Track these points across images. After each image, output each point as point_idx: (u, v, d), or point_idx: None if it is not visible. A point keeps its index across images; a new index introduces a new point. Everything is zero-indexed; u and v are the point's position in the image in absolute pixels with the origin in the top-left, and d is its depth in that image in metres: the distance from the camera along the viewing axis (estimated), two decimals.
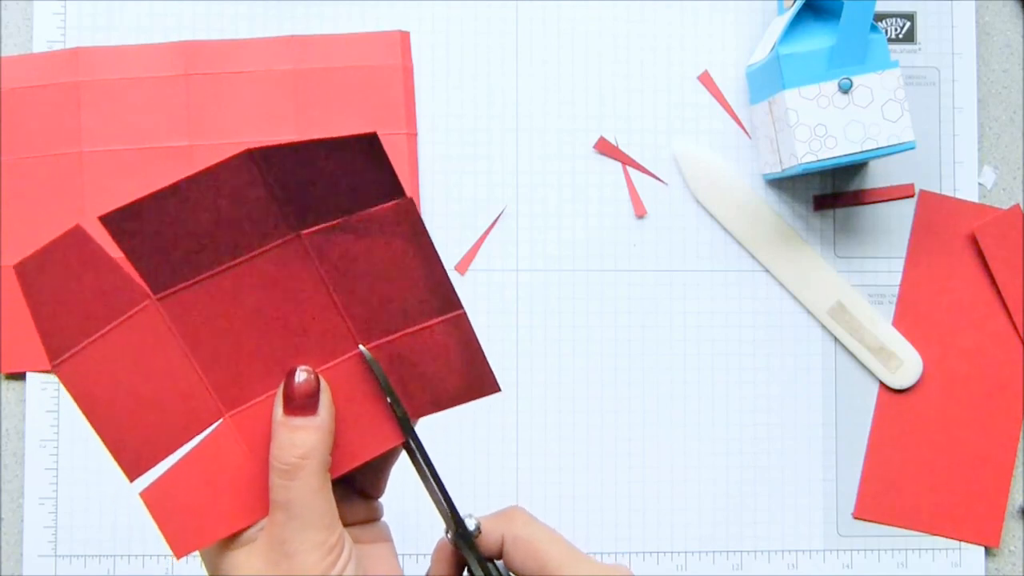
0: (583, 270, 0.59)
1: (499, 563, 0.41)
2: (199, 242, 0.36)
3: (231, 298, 0.37)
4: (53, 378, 0.58)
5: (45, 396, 0.58)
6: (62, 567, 0.57)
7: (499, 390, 0.39)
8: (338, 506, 0.38)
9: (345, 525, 0.38)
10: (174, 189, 0.35)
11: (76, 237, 0.35)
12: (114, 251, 0.36)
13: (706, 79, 0.60)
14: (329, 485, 0.37)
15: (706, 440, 0.59)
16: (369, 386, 0.38)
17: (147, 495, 0.37)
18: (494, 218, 0.59)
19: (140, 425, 0.37)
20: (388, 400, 0.38)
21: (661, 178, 0.60)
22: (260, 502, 0.37)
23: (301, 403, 0.37)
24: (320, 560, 0.36)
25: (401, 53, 0.59)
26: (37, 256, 0.35)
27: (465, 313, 0.39)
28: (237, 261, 0.37)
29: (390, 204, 0.37)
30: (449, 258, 0.59)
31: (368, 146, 0.36)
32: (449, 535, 0.40)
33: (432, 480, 0.39)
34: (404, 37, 0.59)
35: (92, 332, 0.36)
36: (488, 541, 0.40)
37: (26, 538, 0.57)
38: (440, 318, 0.39)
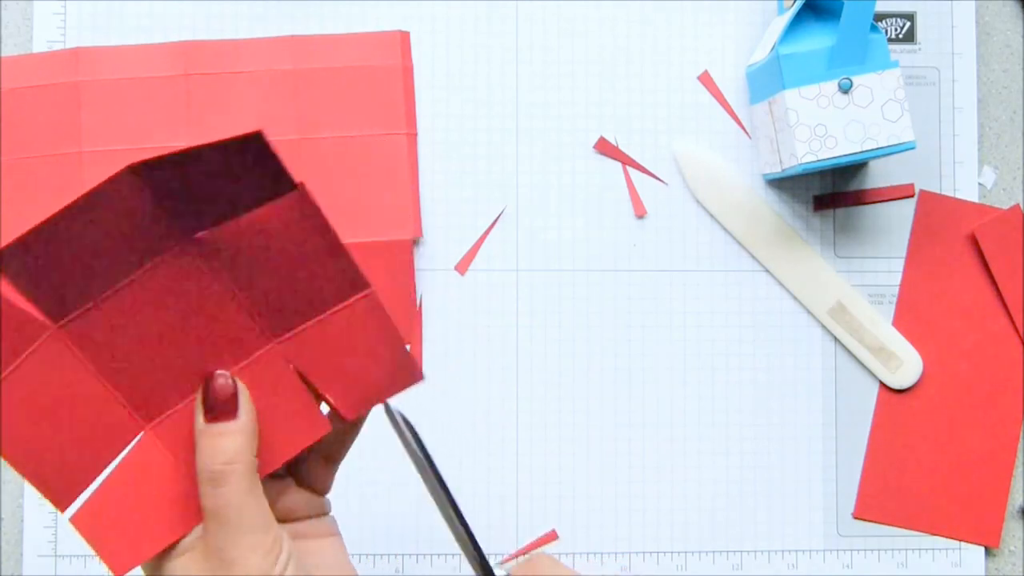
0: (583, 270, 0.59)
1: None
2: (92, 264, 0.35)
3: (133, 314, 0.36)
4: None
5: None
6: (62, 567, 0.57)
7: (422, 379, 0.39)
8: (282, 501, 0.38)
9: (291, 520, 0.38)
10: (61, 215, 0.34)
11: None
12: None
13: (706, 79, 0.60)
14: (259, 486, 0.36)
15: (706, 440, 0.59)
16: (289, 379, 0.38)
17: (77, 519, 0.37)
18: (494, 218, 0.59)
19: (61, 455, 0.36)
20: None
21: (661, 178, 0.60)
22: (193, 510, 0.37)
23: (220, 409, 0.36)
24: (260, 562, 0.35)
25: (401, 53, 0.59)
26: None
27: (375, 291, 0.38)
28: (133, 277, 0.36)
29: (282, 198, 0.36)
30: (449, 258, 0.59)
31: (253, 145, 0.35)
32: None
33: (462, 530, 0.39)
34: (404, 37, 0.59)
35: None
36: None
37: (26, 538, 0.57)
38: (350, 299, 0.38)
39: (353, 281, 0.38)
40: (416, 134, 0.59)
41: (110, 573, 0.59)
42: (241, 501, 0.35)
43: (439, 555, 0.58)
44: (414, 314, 0.58)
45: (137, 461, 0.37)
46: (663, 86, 0.60)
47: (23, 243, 0.34)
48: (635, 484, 0.59)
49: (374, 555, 0.57)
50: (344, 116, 0.58)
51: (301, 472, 0.40)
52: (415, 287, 0.58)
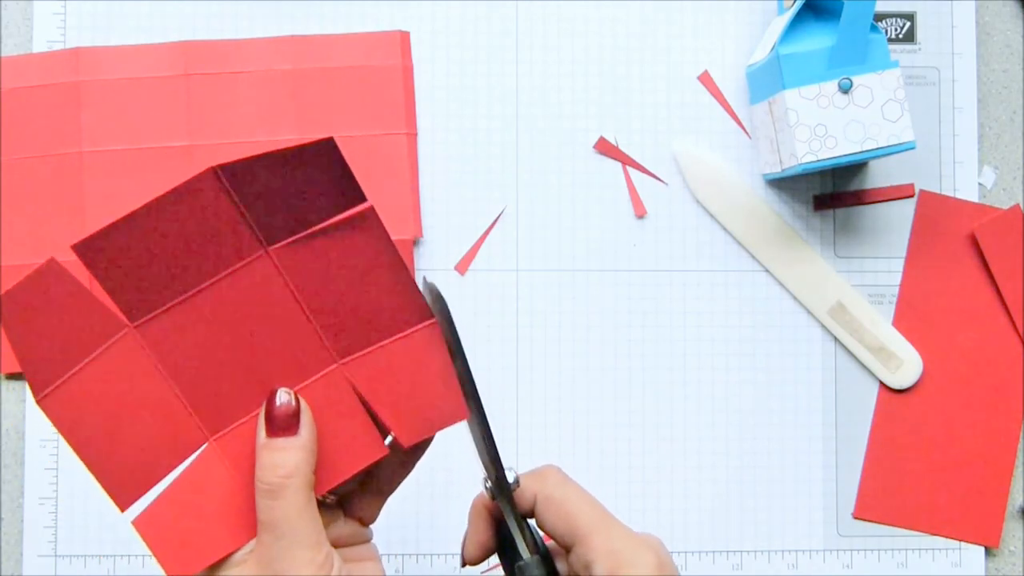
0: (583, 270, 0.59)
1: (531, 522, 0.41)
2: (171, 266, 0.36)
3: (207, 321, 0.37)
4: None
5: None
6: (62, 567, 0.57)
7: (466, 416, 0.40)
8: (330, 530, 0.39)
9: (336, 547, 0.38)
10: (143, 211, 0.34)
11: (51, 271, 0.35)
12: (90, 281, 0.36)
13: (706, 79, 0.60)
14: (314, 503, 0.37)
15: (706, 440, 0.59)
16: (350, 400, 0.39)
17: (139, 523, 0.37)
18: (494, 218, 0.59)
19: (127, 454, 0.37)
20: (374, 415, 0.39)
21: (661, 178, 0.60)
22: (249, 523, 0.37)
23: (282, 424, 0.37)
24: (315, 573, 0.36)
25: (401, 53, 0.59)
26: (14, 292, 0.35)
27: (436, 322, 0.39)
28: (209, 282, 0.36)
29: (352, 211, 0.37)
30: (449, 258, 0.59)
31: (326, 152, 0.35)
32: (488, 485, 0.40)
33: (480, 424, 0.39)
34: (404, 37, 0.59)
35: (73, 364, 0.36)
36: (522, 499, 0.40)
37: (26, 538, 0.57)
38: (413, 328, 0.39)
39: (417, 310, 0.38)
40: (416, 134, 0.59)
41: (110, 574, 0.59)
42: (296, 515, 0.36)
43: (439, 555, 0.58)
44: None
45: (200, 471, 0.37)
46: (663, 86, 0.60)
47: (104, 235, 0.34)
48: (635, 484, 0.59)
49: None
50: (344, 116, 0.58)
51: (351, 503, 0.41)
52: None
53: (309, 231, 0.37)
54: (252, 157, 0.35)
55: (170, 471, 0.37)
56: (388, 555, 0.58)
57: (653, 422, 0.59)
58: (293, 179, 0.36)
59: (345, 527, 0.41)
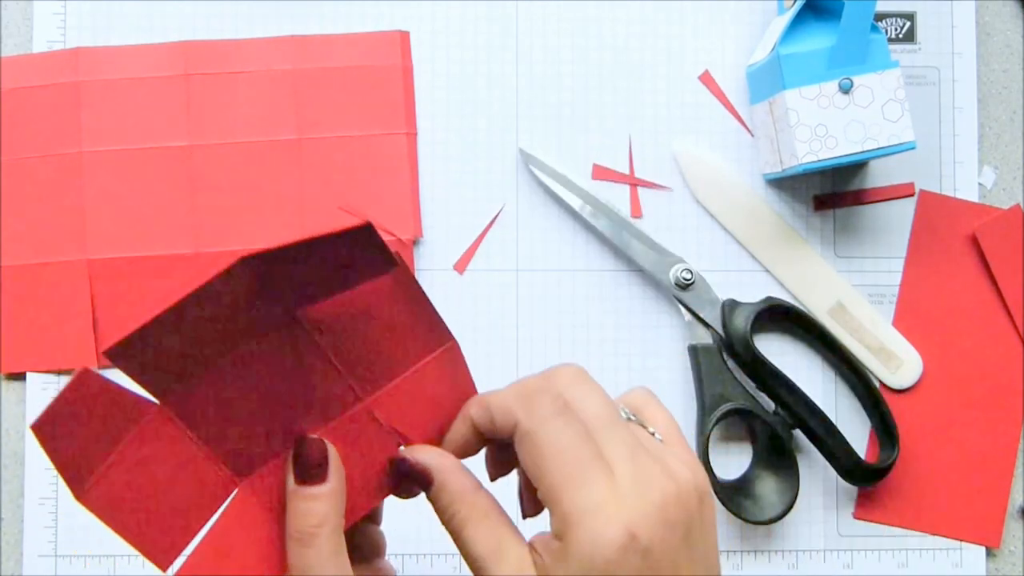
0: (583, 270, 0.59)
1: None
2: (198, 347, 0.36)
3: (233, 384, 0.37)
4: (53, 378, 0.58)
5: (45, 396, 0.58)
6: (62, 567, 0.57)
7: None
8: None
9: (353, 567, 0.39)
10: (173, 309, 0.34)
11: (83, 380, 0.35)
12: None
13: (707, 79, 0.60)
14: (344, 547, 0.37)
15: None
16: (370, 435, 0.39)
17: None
18: (492, 217, 0.59)
19: (162, 519, 0.37)
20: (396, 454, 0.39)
21: (662, 185, 0.60)
22: (282, 563, 0.38)
23: (312, 473, 0.37)
24: None
25: (401, 53, 0.59)
26: (50, 413, 0.35)
27: (456, 342, 0.39)
28: (235, 352, 0.36)
29: (385, 277, 0.37)
30: (448, 258, 0.59)
31: (364, 236, 0.35)
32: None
33: None
34: (404, 37, 0.59)
35: (107, 455, 0.36)
36: (502, 425, 0.37)
37: (26, 538, 0.57)
38: (435, 352, 0.39)
39: (438, 334, 0.39)
40: (416, 133, 0.59)
41: (110, 574, 0.59)
42: (327, 562, 0.36)
43: (439, 555, 0.58)
44: None
45: (232, 516, 0.38)
46: (663, 86, 0.60)
47: (138, 337, 0.34)
48: None
49: None
50: (344, 116, 0.58)
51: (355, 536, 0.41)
52: None
53: (339, 295, 0.37)
54: (282, 246, 0.34)
55: (205, 523, 0.38)
56: (388, 555, 0.57)
57: None
58: (326, 258, 0.36)
59: (364, 540, 0.41)
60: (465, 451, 0.39)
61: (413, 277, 0.38)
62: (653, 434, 0.38)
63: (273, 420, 0.38)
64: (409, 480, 0.38)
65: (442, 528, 0.39)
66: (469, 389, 0.40)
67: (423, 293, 0.38)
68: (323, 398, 0.38)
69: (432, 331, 0.39)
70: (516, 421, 0.36)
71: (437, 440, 0.40)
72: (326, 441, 0.37)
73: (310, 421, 0.38)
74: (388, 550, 0.60)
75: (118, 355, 0.34)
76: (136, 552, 0.37)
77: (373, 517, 0.42)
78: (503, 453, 0.40)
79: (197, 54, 0.58)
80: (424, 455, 0.38)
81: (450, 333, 0.39)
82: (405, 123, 0.59)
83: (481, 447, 0.40)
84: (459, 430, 0.39)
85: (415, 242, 0.59)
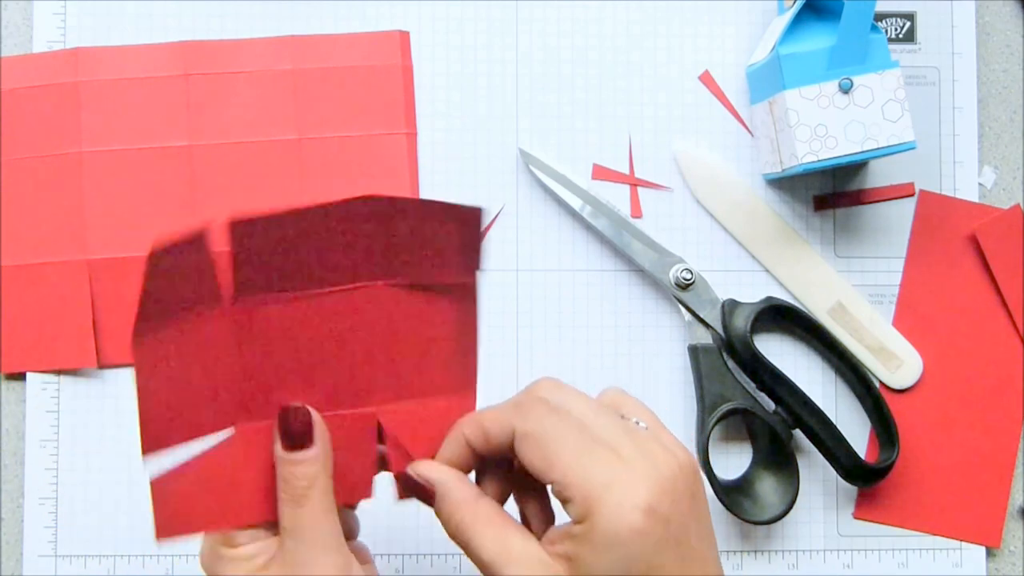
0: (583, 270, 0.59)
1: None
2: (295, 265, 0.38)
3: (296, 324, 0.38)
4: (53, 378, 0.58)
5: (45, 396, 0.58)
6: (62, 567, 0.57)
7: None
8: None
9: None
10: (300, 211, 0.37)
11: (201, 235, 0.37)
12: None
13: (707, 79, 0.60)
14: (334, 507, 0.39)
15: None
16: (370, 442, 0.41)
17: (156, 483, 0.39)
18: (492, 217, 0.59)
19: (172, 409, 0.38)
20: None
21: (662, 185, 0.60)
22: (246, 510, 0.39)
23: (297, 440, 0.38)
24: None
25: (401, 53, 0.59)
26: (166, 241, 0.37)
27: (474, 393, 0.42)
28: (318, 292, 0.38)
29: (466, 279, 0.40)
30: None
31: (475, 218, 0.39)
32: None
33: None
34: (404, 37, 0.59)
35: (174, 317, 0.37)
36: (497, 437, 0.39)
37: (26, 538, 0.57)
38: (457, 395, 0.42)
39: (468, 382, 0.42)
40: (416, 133, 0.59)
41: (110, 574, 0.59)
42: (319, 519, 0.38)
43: (439, 555, 0.58)
44: None
45: (222, 452, 0.39)
46: (663, 86, 0.60)
47: (261, 221, 0.36)
48: None
49: (374, 555, 0.57)
50: (344, 116, 0.58)
51: None
52: None
53: (423, 280, 0.39)
54: (411, 199, 0.38)
55: (194, 439, 0.39)
56: (388, 555, 0.58)
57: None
58: (434, 231, 0.38)
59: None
60: (457, 469, 0.41)
61: (476, 310, 0.40)
62: (637, 423, 0.39)
63: (302, 382, 0.39)
64: (413, 493, 0.40)
65: (442, 529, 0.39)
66: None
67: (475, 334, 0.41)
68: (350, 384, 0.40)
69: (465, 374, 0.41)
70: (513, 428, 0.38)
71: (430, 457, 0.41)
72: (309, 409, 0.39)
73: (326, 400, 0.39)
74: (388, 550, 0.60)
75: (237, 226, 0.36)
76: (136, 422, 0.38)
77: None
78: (493, 477, 0.41)
79: (197, 54, 0.58)
80: (426, 469, 0.40)
81: (475, 384, 0.41)
82: (405, 123, 0.59)
83: (472, 467, 0.41)
84: (451, 448, 0.41)
85: None
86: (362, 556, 0.42)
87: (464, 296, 0.41)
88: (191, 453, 0.39)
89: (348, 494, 0.41)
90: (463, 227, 0.39)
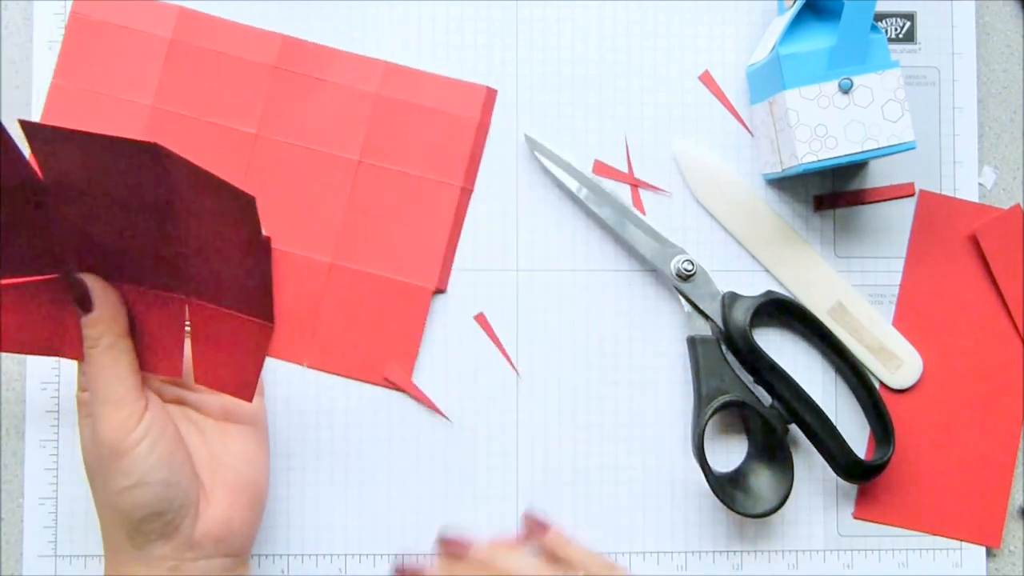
0: (583, 270, 0.59)
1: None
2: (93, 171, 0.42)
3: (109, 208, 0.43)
4: (53, 378, 0.58)
5: (45, 396, 0.58)
6: (62, 567, 0.57)
7: (250, 401, 0.48)
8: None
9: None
10: (90, 136, 0.40)
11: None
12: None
13: (707, 79, 0.60)
14: (124, 360, 0.46)
15: (706, 439, 0.59)
16: (179, 323, 0.47)
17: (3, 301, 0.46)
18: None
19: (22, 247, 0.44)
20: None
21: (662, 188, 0.60)
22: (68, 347, 0.47)
23: (80, 303, 0.45)
24: (120, 424, 0.45)
25: (482, 109, 0.59)
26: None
27: (271, 328, 0.47)
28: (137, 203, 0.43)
29: (239, 199, 0.42)
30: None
31: (249, 204, 0.42)
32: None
33: None
34: (490, 94, 0.59)
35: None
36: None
37: (26, 538, 0.57)
38: (256, 319, 0.47)
39: (267, 310, 0.47)
40: (472, 191, 0.59)
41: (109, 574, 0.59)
42: (101, 375, 0.45)
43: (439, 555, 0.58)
44: (410, 364, 0.58)
45: (48, 291, 0.46)
46: (663, 86, 0.60)
47: (57, 130, 0.40)
48: (635, 483, 0.59)
49: (374, 555, 0.57)
50: (409, 152, 0.58)
51: None
52: (421, 337, 0.58)
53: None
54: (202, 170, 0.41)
55: (48, 273, 0.46)
56: (388, 555, 0.58)
57: (653, 422, 0.59)
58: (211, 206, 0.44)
59: (243, 411, 0.51)
60: None
61: (270, 256, 0.46)
62: None
63: (127, 246, 0.44)
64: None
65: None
66: (258, 367, 0.47)
67: (270, 270, 0.47)
68: (164, 264, 0.45)
69: (265, 302, 0.47)
70: None
71: (209, 366, 0.47)
72: (85, 278, 0.45)
73: (141, 272, 0.46)
74: (388, 550, 0.60)
75: (31, 133, 0.40)
76: None
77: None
78: None
79: (293, 50, 0.58)
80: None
81: (272, 318, 0.47)
82: (464, 178, 0.58)
83: None
84: None
85: (436, 292, 0.58)
86: (240, 416, 0.50)
87: (243, 215, 0.43)
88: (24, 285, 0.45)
89: (156, 366, 0.47)
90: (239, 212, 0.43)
